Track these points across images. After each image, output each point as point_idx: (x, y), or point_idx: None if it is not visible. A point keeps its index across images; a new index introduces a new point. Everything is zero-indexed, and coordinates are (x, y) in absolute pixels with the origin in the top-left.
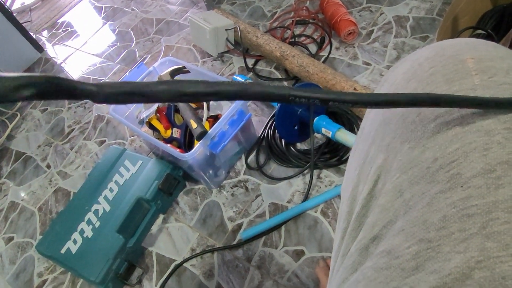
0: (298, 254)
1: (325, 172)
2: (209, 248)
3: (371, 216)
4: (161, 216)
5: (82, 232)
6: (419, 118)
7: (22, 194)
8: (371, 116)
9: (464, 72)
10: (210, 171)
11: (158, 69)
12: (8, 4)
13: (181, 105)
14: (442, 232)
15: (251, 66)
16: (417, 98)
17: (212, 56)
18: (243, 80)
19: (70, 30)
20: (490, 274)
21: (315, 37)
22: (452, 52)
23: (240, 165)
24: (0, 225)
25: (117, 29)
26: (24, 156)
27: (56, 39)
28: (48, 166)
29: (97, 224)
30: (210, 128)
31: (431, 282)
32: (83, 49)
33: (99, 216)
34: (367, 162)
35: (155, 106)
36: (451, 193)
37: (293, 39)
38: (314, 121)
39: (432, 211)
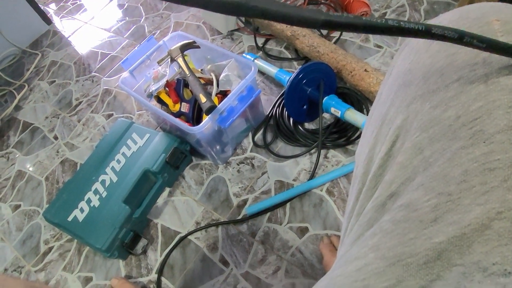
0: (302, 231)
1: (332, 152)
2: (214, 222)
3: (388, 174)
4: (167, 190)
5: (89, 201)
6: (442, 79)
7: (29, 164)
8: (389, 82)
9: (489, 34)
10: (217, 147)
11: (168, 43)
12: None
13: (191, 80)
14: (463, 186)
15: (261, 45)
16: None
17: (221, 33)
18: (252, 59)
19: (78, 3)
20: (510, 224)
21: None
22: (477, 14)
23: (247, 142)
24: (7, 193)
25: (126, 4)
26: (32, 126)
27: (64, 12)
28: (56, 137)
29: (104, 194)
30: (219, 103)
31: (449, 232)
32: (91, 23)
33: (106, 186)
34: (385, 124)
35: (164, 80)
36: (473, 148)
37: None
38: (324, 100)
39: (453, 166)
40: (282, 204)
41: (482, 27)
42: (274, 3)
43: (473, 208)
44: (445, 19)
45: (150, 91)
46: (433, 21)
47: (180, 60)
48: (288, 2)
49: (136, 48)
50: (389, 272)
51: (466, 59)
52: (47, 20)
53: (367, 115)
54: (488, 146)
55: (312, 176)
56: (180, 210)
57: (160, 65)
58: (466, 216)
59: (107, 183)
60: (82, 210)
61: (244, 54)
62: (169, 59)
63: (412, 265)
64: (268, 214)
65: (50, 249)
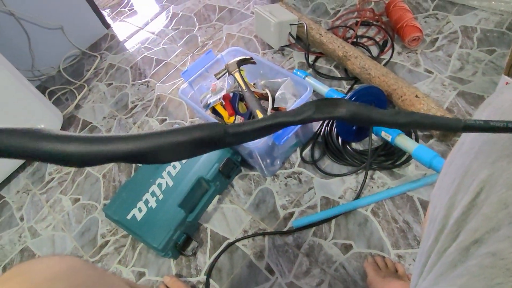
0: (347, 248)
1: (378, 174)
2: (261, 231)
3: (473, 222)
4: (217, 197)
5: (146, 202)
6: None
7: None
8: (472, 135)
9: None
10: (268, 160)
11: (226, 57)
12: None
13: (247, 95)
14: None
15: (311, 62)
16: None
17: (273, 48)
18: (303, 76)
19: (134, 9)
20: None
21: (377, 40)
22: None
23: (295, 157)
24: (68, 186)
25: (181, 13)
26: (90, 125)
27: (122, 16)
28: None
29: (161, 197)
30: None
31: None
32: (146, 29)
33: (163, 189)
34: (469, 175)
35: (222, 93)
36: None
37: (355, 40)
38: None
39: None
40: (327, 220)
41: None
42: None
43: None
44: (509, 97)
45: (208, 102)
46: (503, 93)
47: (237, 74)
48: (339, 22)
49: (192, 58)
50: None
51: None
52: (106, 24)
53: (416, 140)
54: None
55: (358, 196)
56: (228, 217)
57: (217, 78)
58: None
59: (164, 186)
60: (140, 210)
61: (294, 71)
62: (226, 73)
63: None
64: (314, 228)
65: (107, 242)
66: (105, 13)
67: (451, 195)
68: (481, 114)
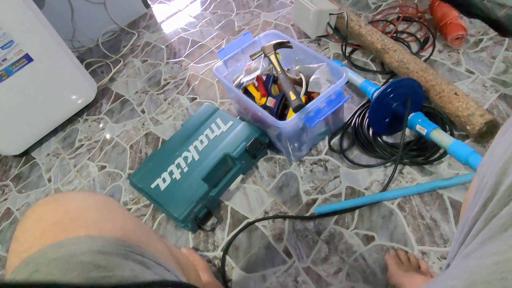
0: (368, 239)
1: (408, 169)
2: (282, 214)
3: None
4: (241, 176)
5: (171, 173)
6: None
7: (117, 131)
8: None
9: None
10: (296, 144)
11: (263, 39)
12: None
13: (281, 77)
14: None
15: (348, 54)
16: None
17: (309, 37)
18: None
19: None
20: None
21: (419, 36)
22: None
23: (323, 145)
24: (96, 153)
25: None
26: (122, 98)
27: None
28: (143, 111)
29: (186, 169)
30: (305, 103)
31: None
32: (185, 11)
33: (188, 162)
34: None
35: (256, 73)
36: None
37: (395, 35)
38: (410, 116)
39: None
40: (351, 209)
41: None
42: None
43: None
44: None
45: (241, 81)
46: None
47: (272, 57)
48: (380, 16)
49: (227, 42)
50: None
51: None
52: (146, 4)
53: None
54: None
55: (385, 188)
56: (250, 197)
57: (252, 59)
58: None
59: (189, 159)
60: (164, 180)
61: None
62: (262, 55)
63: None
64: (336, 216)
65: (128, 210)
66: None
67: (503, 163)
68: (508, 129)
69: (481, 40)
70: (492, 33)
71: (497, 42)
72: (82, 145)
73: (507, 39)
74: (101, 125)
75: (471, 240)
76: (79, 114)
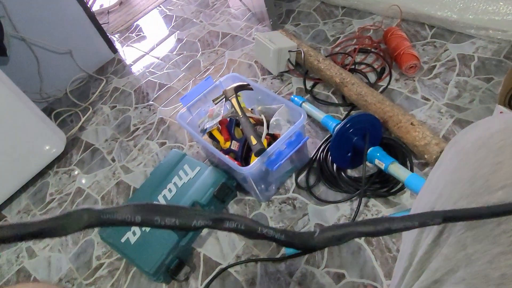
0: (339, 277)
1: (373, 201)
2: (254, 258)
3: (433, 262)
4: None
5: None
6: (487, 185)
7: (88, 182)
8: (437, 174)
9: None
10: (262, 185)
11: (224, 83)
12: (89, 5)
13: (243, 121)
14: None
15: (309, 88)
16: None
17: (272, 74)
18: (300, 102)
19: (142, 34)
20: None
21: (376, 67)
22: None
23: (290, 183)
24: (67, 207)
25: (185, 39)
26: (92, 147)
27: (129, 42)
28: (113, 160)
29: None
30: (267, 145)
31: None
32: (152, 54)
33: None
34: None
35: (218, 118)
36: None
37: (353, 66)
38: (369, 151)
39: (493, 268)
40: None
41: None
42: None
43: None
44: (493, 127)
45: (205, 127)
46: (481, 124)
47: (234, 100)
48: (338, 49)
49: (194, 83)
50: None
51: (509, 170)
52: (113, 49)
53: (410, 169)
54: None
55: None
56: (222, 242)
57: (215, 104)
58: None
59: None
60: (134, 233)
61: (292, 96)
62: (224, 98)
63: None
64: (306, 256)
65: (101, 265)
66: (114, 38)
67: (417, 233)
68: (447, 153)
69: (434, 67)
70: (444, 59)
71: (449, 68)
72: (53, 200)
73: (457, 64)
74: (71, 177)
75: None
76: (49, 166)
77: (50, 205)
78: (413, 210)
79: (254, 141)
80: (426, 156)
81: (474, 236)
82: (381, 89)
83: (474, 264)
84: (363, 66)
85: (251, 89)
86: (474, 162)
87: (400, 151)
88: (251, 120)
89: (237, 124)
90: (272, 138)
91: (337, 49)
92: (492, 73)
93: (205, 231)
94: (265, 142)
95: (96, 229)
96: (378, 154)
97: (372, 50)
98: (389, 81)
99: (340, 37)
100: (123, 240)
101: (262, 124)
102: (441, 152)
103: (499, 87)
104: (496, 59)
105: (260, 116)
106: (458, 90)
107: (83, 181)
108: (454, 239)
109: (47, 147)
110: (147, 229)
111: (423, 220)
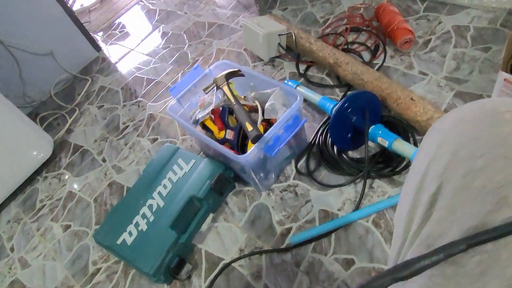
0: (348, 263)
1: (377, 182)
2: (258, 250)
3: (425, 228)
4: (211, 215)
5: (137, 225)
6: (469, 154)
7: (79, 185)
8: (421, 156)
9: (503, 121)
10: (261, 174)
11: (214, 71)
12: (69, 4)
13: (236, 108)
14: (497, 243)
15: (303, 72)
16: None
17: (263, 60)
18: (294, 86)
19: (125, 31)
20: None
21: (369, 45)
22: (491, 106)
23: (290, 169)
24: (59, 212)
25: (170, 32)
26: (82, 149)
27: (112, 39)
28: (104, 160)
29: (151, 219)
30: (264, 131)
31: (495, 285)
32: (137, 50)
33: (153, 211)
34: (422, 191)
35: (210, 107)
36: (500, 212)
37: (346, 46)
38: (370, 129)
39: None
40: (327, 234)
41: (496, 116)
42: None
43: (510, 263)
44: (465, 109)
45: (197, 118)
46: (453, 111)
47: (225, 88)
48: (329, 30)
49: (182, 76)
50: None
51: (488, 141)
52: (97, 47)
53: (414, 145)
54: None
55: (357, 207)
56: (223, 236)
57: (206, 93)
58: (507, 271)
59: (154, 207)
60: (130, 234)
61: (286, 81)
62: (215, 87)
63: None
64: (313, 244)
65: (98, 270)
66: (98, 36)
67: (408, 211)
68: (427, 137)
69: (429, 41)
70: (439, 31)
71: (445, 41)
72: (43, 206)
73: (453, 36)
74: (61, 182)
75: None
76: (38, 172)
77: (41, 212)
78: (401, 196)
79: (249, 127)
80: None
81: (462, 200)
82: (376, 67)
83: (464, 225)
84: (356, 45)
85: (243, 75)
86: (454, 137)
87: (402, 128)
88: (245, 107)
89: (231, 112)
90: (268, 124)
91: (328, 30)
92: (490, 42)
93: (204, 226)
94: (261, 128)
95: (91, 233)
96: (380, 132)
97: (364, 28)
98: (384, 58)
99: (329, 18)
100: (119, 242)
101: (256, 111)
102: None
103: (499, 56)
104: (493, 28)
105: (254, 102)
106: (456, 62)
107: (74, 184)
108: (443, 205)
109: (34, 153)
110: (144, 228)
111: (448, 252)
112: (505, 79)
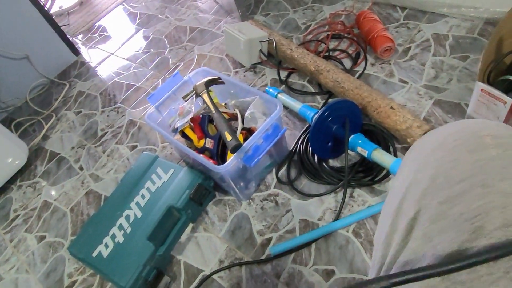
0: (329, 274)
1: (358, 191)
2: (238, 261)
3: (401, 257)
4: (190, 225)
5: (113, 236)
6: (447, 180)
7: (55, 194)
8: (400, 178)
9: (483, 146)
10: (241, 183)
11: (193, 78)
12: (47, 7)
13: (216, 117)
14: (473, 275)
15: (284, 79)
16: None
17: (244, 66)
18: (275, 93)
19: (105, 34)
20: None
21: (350, 52)
22: (472, 129)
23: (271, 178)
24: (33, 223)
25: (151, 36)
26: (58, 156)
27: (92, 43)
28: (81, 168)
29: (128, 230)
30: (243, 140)
31: None
32: (117, 54)
33: (131, 222)
34: (400, 215)
35: (189, 116)
36: (476, 242)
37: (327, 53)
38: (350, 139)
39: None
40: (307, 244)
41: (476, 140)
42: None
43: None
44: (446, 131)
45: (176, 126)
46: (434, 132)
47: (205, 96)
48: (310, 36)
49: (163, 81)
50: None
51: (467, 167)
52: (75, 51)
53: (394, 155)
54: (489, 241)
55: (338, 216)
56: (203, 247)
57: (185, 100)
58: None
59: (132, 218)
60: (106, 246)
61: (267, 88)
62: (194, 95)
63: None
64: (293, 254)
65: (74, 283)
66: (77, 40)
67: (386, 236)
68: (407, 159)
69: (409, 49)
70: (419, 39)
71: (424, 49)
72: (17, 216)
73: (432, 45)
74: (36, 190)
75: None
76: (11, 181)
77: (15, 222)
78: (381, 217)
79: (229, 137)
80: (408, 140)
81: (439, 228)
82: (357, 74)
83: (440, 252)
84: (337, 52)
85: (223, 82)
86: (433, 162)
87: (382, 137)
88: (225, 115)
89: (210, 120)
90: (248, 132)
91: (309, 36)
92: (468, 51)
93: (183, 236)
94: (240, 138)
95: (66, 244)
96: (360, 141)
97: (345, 35)
98: (365, 66)
99: (311, 24)
100: (94, 254)
101: (236, 119)
102: (424, 134)
103: (476, 65)
104: (470, 36)
105: (234, 110)
106: (435, 71)
107: (50, 193)
108: (420, 233)
109: (8, 160)
110: (120, 240)
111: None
112: (481, 89)
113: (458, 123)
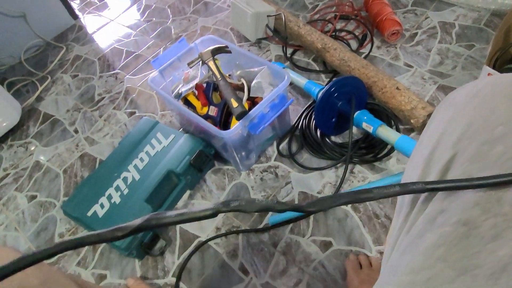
0: (326, 245)
1: (358, 168)
2: (235, 229)
3: (438, 194)
4: (188, 192)
5: (110, 197)
6: (486, 124)
7: (48, 155)
8: (431, 129)
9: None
10: (243, 153)
11: (199, 46)
12: None
13: (222, 84)
14: None
15: (289, 55)
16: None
17: (249, 41)
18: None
19: (104, 1)
20: None
21: (357, 34)
22: (509, 80)
23: (272, 151)
24: (24, 183)
25: (154, 5)
26: (52, 118)
27: (91, 8)
28: (76, 131)
29: (126, 192)
30: (248, 110)
31: (509, 249)
32: (117, 21)
33: (128, 183)
34: (433, 162)
35: (194, 82)
36: None
37: (334, 34)
38: (355, 115)
39: (505, 191)
40: (305, 216)
41: (511, 90)
42: None
43: None
44: (479, 84)
45: (180, 92)
46: (466, 85)
47: (211, 63)
48: (317, 16)
49: (161, 49)
50: (459, 281)
51: (506, 113)
52: (74, 15)
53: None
54: None
55: (338, 190)
56: None
57: (190, 67)
58: None
59: (129, 180)
60: (102, 206)
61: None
62: (200, 62)
63: (479, 276)
64: (291, 225)
65: None
66: (75, 4)
67: (418, 178)
68: (439, 109)
69: (415, 34)
70: (426, 26)
71: (431, 35)
72: (7, 175)
73: (439, 32)
74: (28, 151)
75: (396, 250)
76: (2, 140)
77: (4, 181)
78: (408, 168)
79: (235, 103)
80: (412, 121)
81: (479, 166)
82: (363, 56)
83: (450, 212)
84: (344, 33)
85: (230, 51)
86: (469, 111)
87: (385, 117)
88: (231, 84)
89: (215, 88)
90: (252, 103)
91: (316, 16)
92: (473, 40)
93: (180, 202)
94: (246, 106)
95: (58, 204)
96: (365, 118)
97: (353, 17)
98: (371, 48)
99: (319, 4)
100: (89, 213)
101: (241, 89)
102: (428, 116)
103: (482, 54)
104: (477, 27)
105: (240, 80)
106: (440, 57)
107: (42, 154)
108: (459, 172)
109: (1, 119)
110: (117, 200)
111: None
112: (488, 74)
113: (490, 77)
